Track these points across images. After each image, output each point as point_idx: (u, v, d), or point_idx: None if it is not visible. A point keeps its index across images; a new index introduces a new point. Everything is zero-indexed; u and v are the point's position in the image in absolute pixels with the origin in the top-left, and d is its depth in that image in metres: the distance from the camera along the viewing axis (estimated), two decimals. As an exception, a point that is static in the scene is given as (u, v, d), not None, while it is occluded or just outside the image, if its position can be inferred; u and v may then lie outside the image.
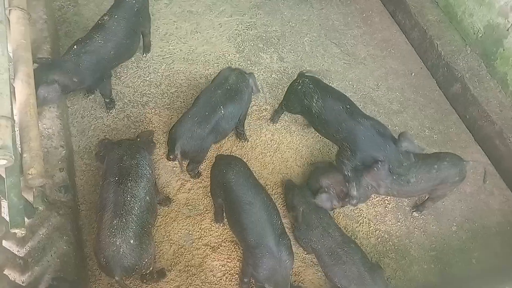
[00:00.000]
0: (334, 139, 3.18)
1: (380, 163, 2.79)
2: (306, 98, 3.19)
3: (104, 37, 3.22)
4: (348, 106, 3.09)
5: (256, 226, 2.69)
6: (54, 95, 3.00)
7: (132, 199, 2.54)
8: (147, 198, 2.64)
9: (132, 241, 2.40)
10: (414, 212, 3.42)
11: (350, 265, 2.77)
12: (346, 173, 2.95)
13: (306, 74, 3.35)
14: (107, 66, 3.38)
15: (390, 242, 3.27)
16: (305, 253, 3.13)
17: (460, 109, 4.13)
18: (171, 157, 3.06)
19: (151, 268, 2.65)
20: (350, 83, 4.15)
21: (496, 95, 3.92)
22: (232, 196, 2.79)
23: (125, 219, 2.44)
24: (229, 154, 3.42)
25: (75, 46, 3.13)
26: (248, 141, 3.59)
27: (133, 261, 2.41)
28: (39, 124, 2.87)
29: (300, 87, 3.25)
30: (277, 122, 3.72)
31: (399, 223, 3.37)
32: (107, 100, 3.50)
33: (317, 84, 3.23)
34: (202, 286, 2.90)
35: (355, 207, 3.30)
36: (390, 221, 3.37)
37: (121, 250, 2.36)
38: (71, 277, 2.61)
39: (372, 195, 3.28)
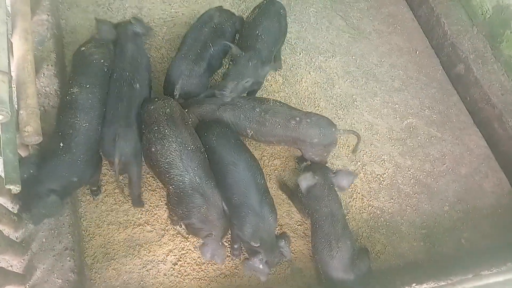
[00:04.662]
0: None
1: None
2: None
3: (86, 118, 2.62)
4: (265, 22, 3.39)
5: (240, 185, 2.72)
6: (55, 208, 2.49)
7: None
8: None
9: None
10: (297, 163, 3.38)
11: (337, 259, 2.77)
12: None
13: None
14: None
15: (382, 218, 3.31)
16: (297, 224, 3.16)
17: (461, 90, 4.10)
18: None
19: None
20: (353, 57, 4.09)
21: (499, 78, 3.88)
22: (215, 158, 2.80)
23: None
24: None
25: (61, 144, 2.51)
26: None
27: None
28: (37, 82, 2.83)
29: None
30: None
31: (392, 200, 3.40)
32: (94, 188, 3.00)
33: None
34: (194, 251, 2.94)
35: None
36: (383, 197, 3.40)
37: None
38: (66, 237, 2.64)
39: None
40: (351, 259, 2.79)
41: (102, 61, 2.87)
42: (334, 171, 3.04)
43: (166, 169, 2.59)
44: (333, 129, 3.03)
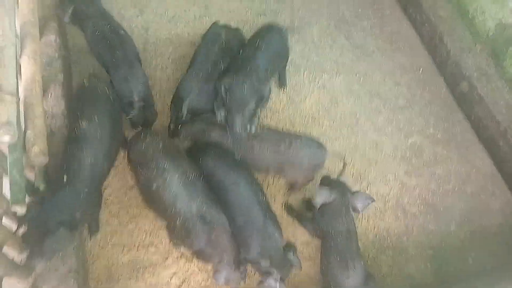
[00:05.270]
0: None
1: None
2: None
3: (94, 153, 2.60)
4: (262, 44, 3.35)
5: (242, 205, 2.71)
6: (66, 241, 2.46)
7: None
8: None
9: None
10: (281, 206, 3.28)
11: (352, 279, 2.74)
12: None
13: None
14: (102, 181, 2.82)
15: (388, 239, 3.28)
16: (302, 246, 3.13)
17: (466, 108, 4.10)
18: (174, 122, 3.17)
19: None
20: (357, 76, 4.11)
21: (503, 96, 3.88)
22: (214, 181, 2.79)
23: None
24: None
25: (65, 176, 2.49)
26: None
27: None
28: (44, 103, 2.85)
29: None
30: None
31: (398, 220, 3.37)
32: (93, 224, 2.93)
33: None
34: (199, 272, 2.92)
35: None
36: (389, 218, 3.37)
37: None
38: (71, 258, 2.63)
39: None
40: (365, 280, 2.76)
41: (107, 91, 2.91)
42: (354, 191, 3.01)
43: (172, 203, 2.56)
44: (323, 152, 3.02)
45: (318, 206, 2.93)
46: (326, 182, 3.06)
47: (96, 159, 2.61)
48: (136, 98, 3.03)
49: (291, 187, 3.30)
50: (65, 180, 2.49)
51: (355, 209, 2.98)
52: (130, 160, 2.87)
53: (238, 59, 3.29)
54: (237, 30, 3.66)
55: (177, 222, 2.60)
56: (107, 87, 2.97)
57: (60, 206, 2.44)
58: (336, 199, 2.92)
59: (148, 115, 3.19)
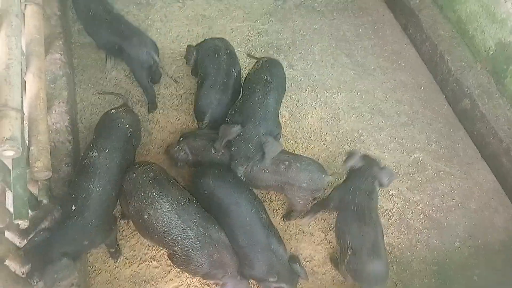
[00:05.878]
0: None
1: (236, 126, 2.92)
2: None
3: (101, 182, 2.58)
4: (271, 80, 3.25)
5: (245, 225, 2.69)
6: (68, 271, 2.39)
7: None
8: None
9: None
10: (282, 221, 3.27)
11: (370, 229, 2.75)
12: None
13: None
14: (111, 209, 2.77)
15: (392, 255, 3.25)
16: (305, 260, 3.11)
17: (468, 125, 4.11)
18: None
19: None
20: (358, 93, 4.15)
21: (505, 113, 3.89)
22: (215, 201, 2.76)
23: None
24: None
25: (73, 207, 2.48)
26: None
27: None
28: (48, 118, 2.89)
29: None
30: None
31: (402, 236, 3.35)
32: (112, 250, 2.91)
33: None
34: (200, 287, 2.89)
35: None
36: (393, 233, 3.35)
37: None
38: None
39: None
40: (382, 239, 2.78)
41: (128, 125, 2.90)
42: (382, 166, 3.05)
43: (167, 232, 2.51)
44: (323, 176, 2.99)
45: (347, 169, 3.00)
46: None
47: (104, 189, 2.58)
48: (157, 59, 3.40)
49: (289, 213, 3.25)
50: (73, 209, 2.48)
51: (381, 183, 3.00)
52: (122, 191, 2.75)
53: (250, 101, 3.11)
54: (221, 38, 3.69)
55: (176, 250, 2.54)
56: (134, 119, 3.00)
57: (66, 237, 2.42)
58: (364, 167, 2.98)
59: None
